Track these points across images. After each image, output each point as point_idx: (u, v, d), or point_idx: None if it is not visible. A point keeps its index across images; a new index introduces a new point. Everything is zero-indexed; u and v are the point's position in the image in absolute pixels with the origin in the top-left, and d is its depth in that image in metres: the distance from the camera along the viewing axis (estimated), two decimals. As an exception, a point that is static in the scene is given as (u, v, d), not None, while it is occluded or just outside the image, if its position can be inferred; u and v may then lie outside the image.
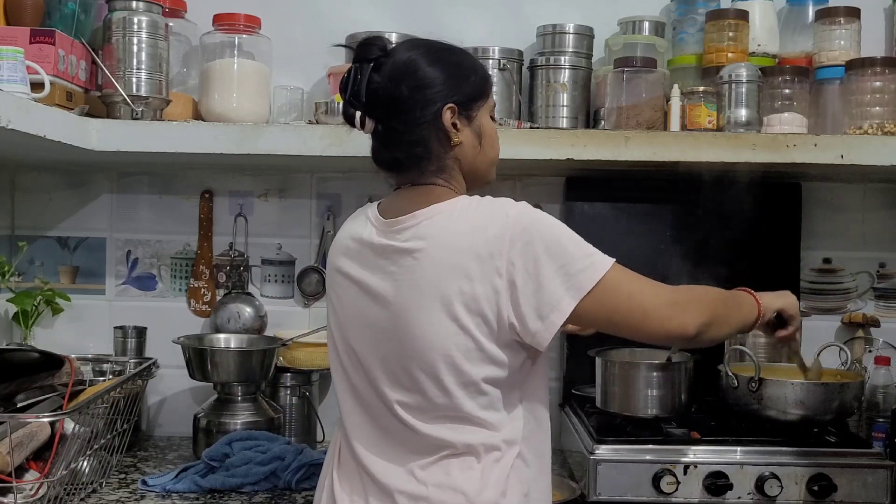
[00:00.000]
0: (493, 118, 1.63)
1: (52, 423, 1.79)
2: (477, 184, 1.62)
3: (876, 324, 2.54)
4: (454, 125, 1.53)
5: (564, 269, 1.44)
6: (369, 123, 1.54)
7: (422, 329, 1.47)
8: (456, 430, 1.49)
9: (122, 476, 2.16)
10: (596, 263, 1.47)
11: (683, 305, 1.54)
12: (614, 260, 1.50)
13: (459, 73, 1.55)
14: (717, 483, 1.99)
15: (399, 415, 1.51)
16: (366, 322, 1.54)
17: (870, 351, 2.52)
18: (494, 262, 1.44)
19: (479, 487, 1.47)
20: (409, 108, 1.51)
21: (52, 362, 1.99)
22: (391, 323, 1.50)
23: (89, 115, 2.14)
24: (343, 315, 1.59)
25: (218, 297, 2.57)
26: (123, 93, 2.16)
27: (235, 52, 2.38)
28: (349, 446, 1.58)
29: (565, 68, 2.37)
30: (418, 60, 1.53)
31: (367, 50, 1.54)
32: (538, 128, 2.30)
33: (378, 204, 1.62)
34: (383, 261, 1.52)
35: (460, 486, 1.47)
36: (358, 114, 1.54)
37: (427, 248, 1.48)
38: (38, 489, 1.73)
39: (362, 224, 1.59)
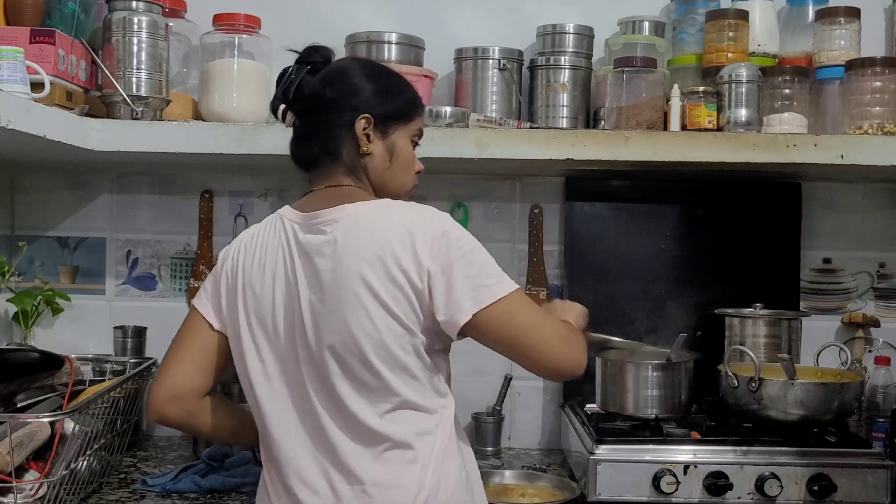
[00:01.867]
0: (415, 144, 1.71)
1: (51, 423, 1.79)
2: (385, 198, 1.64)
3: (876, 324, 2.54)
4: (367, 136, 1.61)
5: (473, 280, 1.51)
6: (290, 118, 1.65)
7: (352, 315, 1.50)
8: (394, 419, 1.53)
9: (122, 476, 2.16)
10: (503, 283, 1.54)
11: (572, 341, 1.60)
12: (519, 287, 1.57)
13: (385, 91, 1.64)
14: (717, 483, 1.99)
15: (346, 406, 1.52)
16: (295, 316, 1.55)
17: (870, 351, 2.52)
18: (418, 254, 1.50)
19: (422, 480, 1.52)
20: (328, 109, 1.61)
21: (52, 362, 1.99)
22: (324, 312, 1.52)
23: (89, 115, 2.14)
24: (266, 315, 1.58)
25: (218, 297, 2.57)
26: (123, 93, 2.16)
27: (235, 52, 2.38)
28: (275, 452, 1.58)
29: (565, 68, 2.37)
30: (351, 70, 1.66)
31: (310, 54, 1.66)
32: (538, 128, 2.30)
33: (287, 207, 1.65)
34: (310, 254, 1.55)
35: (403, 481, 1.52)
36: (282, 107, 1.65)
37: (351, 236, 1.53)
38: (38, 489, 1.73)
39: (277, 227, 1.62)
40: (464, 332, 1.54)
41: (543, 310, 1.67)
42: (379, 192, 1.65)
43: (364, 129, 1.61)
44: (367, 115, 1.61)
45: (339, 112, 1.61)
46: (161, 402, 1.61)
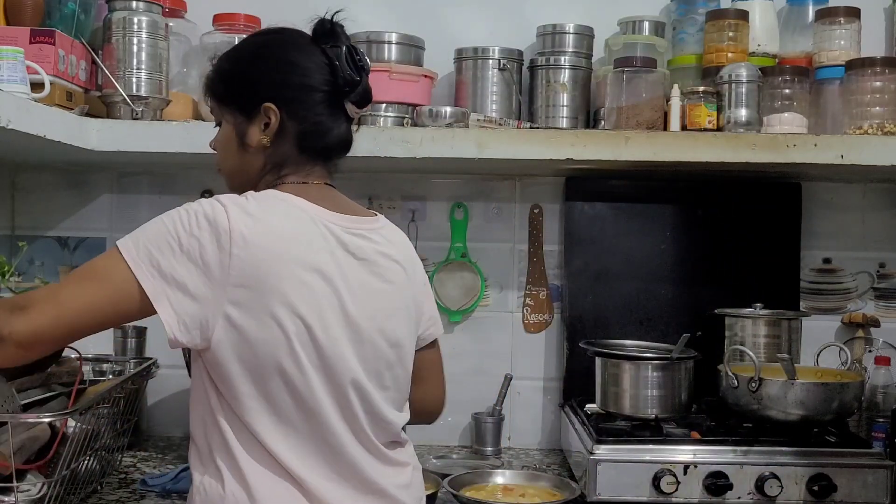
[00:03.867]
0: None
1: (53, 423, 1.79)
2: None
3: (876, 324, 2.54)
4: None
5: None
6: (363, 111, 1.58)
7: (403, 329, 1.52)
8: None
9: (122, 476, 2.16)
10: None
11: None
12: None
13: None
14: (717, 483, 1.99)
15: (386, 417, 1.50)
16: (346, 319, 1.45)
17: (870, 351, 2.52)
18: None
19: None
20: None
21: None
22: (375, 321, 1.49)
23: (89, 115, 2.14)
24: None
25: (218, 297, 2.56)
26: (123, 93, 2.16)
27: (235, 52, 2.38)
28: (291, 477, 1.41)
29: (565, 68, 2.37)
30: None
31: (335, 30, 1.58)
32: (538, 128, 2.30)
33: (298, 197, 1.47)
34: (364, 259, 1.47)
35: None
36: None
37: (398, 251, 1.55)
38: (38, 489, 1.73)
39: (307, 217, 1.44)
40: None
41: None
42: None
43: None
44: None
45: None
46: (32, 342, 1.38)
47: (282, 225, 1.41)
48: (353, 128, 1.58)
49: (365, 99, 1.54)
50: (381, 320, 1.47)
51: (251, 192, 1.46)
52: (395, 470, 1.51)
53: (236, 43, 1.71)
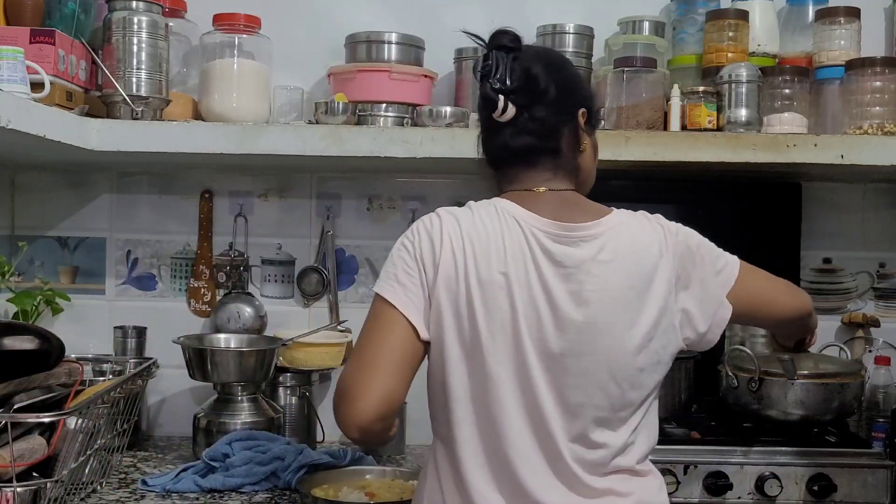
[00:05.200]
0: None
1: (52, 423, 1.79)
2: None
3: (876, 324, 2.54)
4: (584, 131, 1.57)
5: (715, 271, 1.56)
6: (511, 109, 1.51)
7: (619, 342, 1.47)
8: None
9: (122, 476, 2.16)
10: (731, 263, 1.59)
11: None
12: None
13: (589, 87, 1.64)
14: (717, 483, 1.99)
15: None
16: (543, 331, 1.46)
17: (870, 351, 2.52)
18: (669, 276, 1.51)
19: None
20: (555, 100, 1.53)
21: (50, 350, 1.97)
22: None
23: (89, 115, 2.14)
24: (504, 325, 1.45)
25: (218, 297, 2.57)
26: (123, 93, 2.16)
27: (235, 52, 2.38)
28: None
29: (565, 68, 2.37)
30: (565, 61, 1.64)
31: (502, 37, 1.57)
32: (538, 128, 2.30)
33: (511, 203, 1.51)
34: (570, 268, 1.46)
35: None
36: (501, 98, 1.51)
37: (619, 254, 1.49)
38: (38, 489, 1.74)
39: (510, 226, 1.48)
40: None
41: (766, 273, 1.69)
42: (579, 189, 1.60)
43: (583, 122, 1.56)
44: (584, 109, 1.56)
45: (567, 103, 1.54)
46: (371, 421, 1.40)
47: None
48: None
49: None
50: None
51: None
52: None
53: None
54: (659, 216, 1.58)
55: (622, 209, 1.57)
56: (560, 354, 1.44)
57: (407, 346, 1.44)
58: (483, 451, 1.46)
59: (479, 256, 1.44)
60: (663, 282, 1.49)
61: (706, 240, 1.58)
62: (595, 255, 1.47)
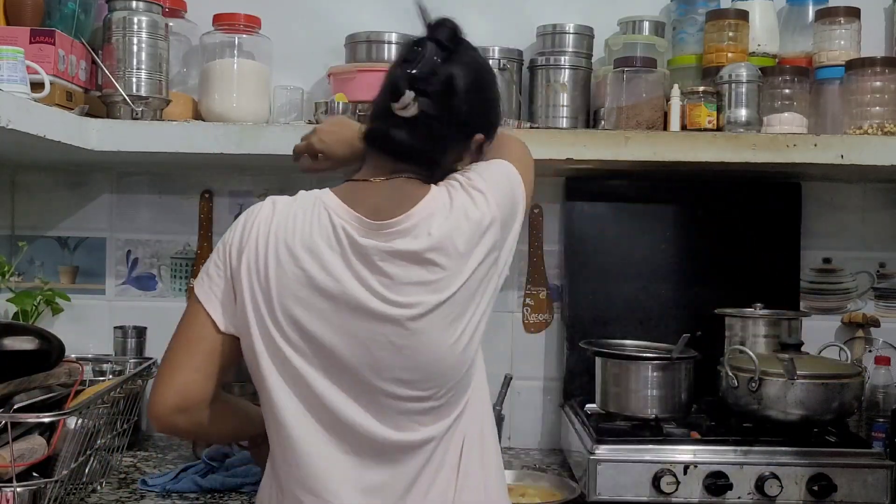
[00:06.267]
0: None
1: (52, 423, 1.79)
2: None
3: (876, 324, 2.54)
4: (472, 152, 1.51)
5: None
6: (413, 108, 1.41)
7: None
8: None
9: (122, 476, 2.16)
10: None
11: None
12: None
13: (499, 111, 1.56)
14: (717, 483, 1.99)
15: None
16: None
17: (870, 351, 2.52)
18: None
19: None
20: (460, 122, 1.46)
21: (50, 350, 1.97)
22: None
23: (89, 115, 2.14)
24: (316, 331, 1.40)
25: (218, 297, 2.57)
26: (123, 93, 2.16)
27: (235, 52, 2.38)
28: None
29: (565, 68, 2.37)
30: (491, 83, 1.54)
31: (439, 31, 1.47)
32: (538, 128, 2.30)
33: (330, 193, 1.46)
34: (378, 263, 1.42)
35: None
36: (409, 94, 1.41)
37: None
38: (38, 489, 1.74)
39: (322, 219, 1.42)
40: None
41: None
42: None
43: (473, 149, 1.51)
44: (482, 135, 1.50)
45: (465, 127, 1.48)
46: (168, 413, 1.42)
47: None
48: None
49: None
50: None
51: None
52: None
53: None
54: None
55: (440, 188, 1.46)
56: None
57: (206, 338, 1.42)
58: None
59: (282, 253, 1.39)
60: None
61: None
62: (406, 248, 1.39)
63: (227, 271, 1.43)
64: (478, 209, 1.43)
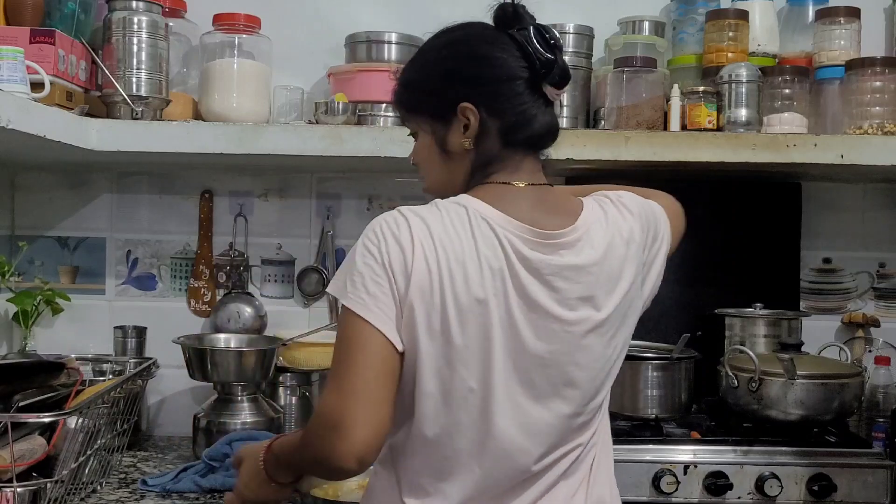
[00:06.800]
0: None
1: (52, 423, 1.79)
2: None
3: (876, 324, 2.54)
4: None
5: None
6: (551, 89, 1.41)
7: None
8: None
9: (122, 476, 2.16)
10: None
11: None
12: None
13: None
14: (717, 483, 1.99)
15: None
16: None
17: (870, 351, 2.52)
18: None
19: None
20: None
21: (52, 367, 1.99)
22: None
23: (89, 115, 2.14)
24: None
25: (218, 297, 2.57)
26: (123, 93, 2.16)
27: (235, 52, 2.38)
28: None
29: (565, 68, 2.37)
30: None
31: (521, 18, 1.41)
32: (538, 128, 2.30)
33: (483, 204, 1.36)
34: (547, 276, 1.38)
35: None
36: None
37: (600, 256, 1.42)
38: (38, 489, 1.74)
39: (483, 231, 1.32)
40: None
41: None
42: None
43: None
44: None
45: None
46: (374, 452, 1.29)
47: None
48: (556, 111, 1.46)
49: (564, 78, 1.41)
50: None
51: None
52: None
53: (419, 48, 1.57)
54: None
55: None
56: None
57: (388, 363, 1.30)
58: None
59: (456, 273, 1.29)
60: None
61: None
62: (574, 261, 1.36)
63: (392, 291, 1.29)
64: (626, 223, 1.43)
